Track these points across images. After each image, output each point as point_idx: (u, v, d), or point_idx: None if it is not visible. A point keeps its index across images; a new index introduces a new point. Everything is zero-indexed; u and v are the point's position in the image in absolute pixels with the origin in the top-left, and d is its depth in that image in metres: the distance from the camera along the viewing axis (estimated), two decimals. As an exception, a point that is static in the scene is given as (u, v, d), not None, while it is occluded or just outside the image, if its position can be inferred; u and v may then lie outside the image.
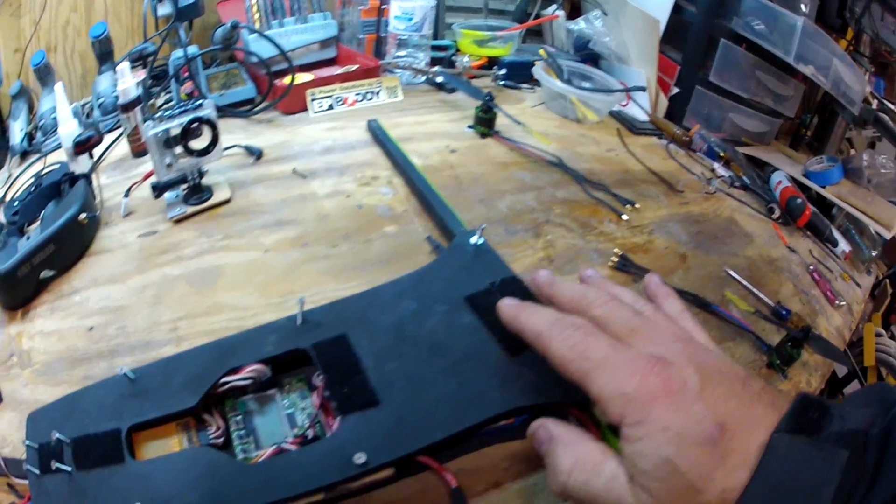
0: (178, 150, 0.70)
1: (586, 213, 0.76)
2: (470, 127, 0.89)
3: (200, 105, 0.70)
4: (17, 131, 1.01)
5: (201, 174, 0.73)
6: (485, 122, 0.86)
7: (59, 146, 0.94)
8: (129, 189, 0.76)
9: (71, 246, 0.68)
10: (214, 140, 0.71)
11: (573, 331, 0.36)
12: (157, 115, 0.69)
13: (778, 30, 1.04)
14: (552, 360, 0.37)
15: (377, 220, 0.69)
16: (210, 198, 0.74)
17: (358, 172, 0.78)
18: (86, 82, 1.17)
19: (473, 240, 0.58)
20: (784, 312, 0.71)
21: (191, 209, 0.72)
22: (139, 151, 0.90)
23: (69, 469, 0.42)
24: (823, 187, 1.05)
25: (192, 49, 0.95)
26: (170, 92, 1.06)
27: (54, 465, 0.43)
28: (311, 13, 1.04)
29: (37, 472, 0.43)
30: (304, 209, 0.71)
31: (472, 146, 0.86)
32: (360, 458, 0.41)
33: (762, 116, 1.12)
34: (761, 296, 0.73)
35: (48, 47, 1.13)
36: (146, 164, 0.84)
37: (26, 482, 0.47)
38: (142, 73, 1.02)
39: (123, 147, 0.90)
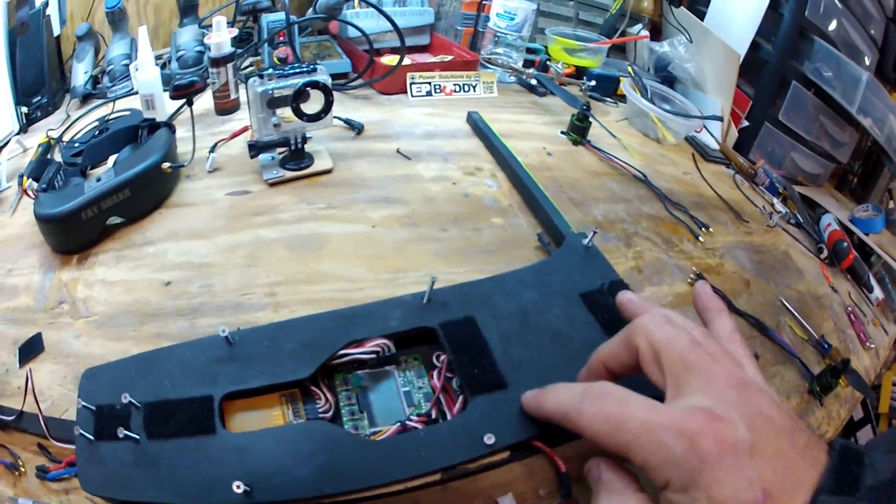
0: (282, 112, 0.67)
1: (669, 229, 0.76)
2: (563, 133, 0.88)
3: (315, 70, 0.67)
4: (80, 73, 0.97)
5: (305, 140, 0.71)
6: (579, 130, 0.85)
7: (128, 92, 0.92)
8: (215, 145, 0.74)
9: (148, 194, 0.64)
10: (328, 106, 0.68)
11: (603, 400, 0.32)
12: (268, 71, 0.66)
13: (843, 79, 1.05)
14: (589, 438, 0.32)
15: (484, 211, 0.68)
16: (311, 165, 0.72)
17: (461, 161, 0.77)
18: (157, 35, 1.13)
19: (584, 242, 0.58)
20: (826, 346, 0.73)
21: (289, 174, 0.70)
22: (224, 109, 0.87)
23: (137, 437, 0.38)
24: (867, 234, 1.05)
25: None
26: (257, 55, 1.04)
27: (121, 432, 0.38)
28: (411, -3, 1.03)
29: (90, 437, 0.38)
30: (411, 189, 0.70)
31: (566, 151, 0.85)
32: (489, 438, 0.41)
33: (818, 159, 1.12)
34: (808, 328, 0.74)
35: (121, -5, 1.09)
36: (230, 123, 0.82)
37: (67, 446, 0.42)
38: (233, 31, 1.00)
39: (204, 103, 0.87)
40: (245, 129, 0.78)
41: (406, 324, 0.48)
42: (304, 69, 0.67)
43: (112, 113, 0.84)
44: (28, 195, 0.66)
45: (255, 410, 0.43)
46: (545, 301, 0.51)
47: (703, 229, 0.78)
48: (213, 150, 0.73)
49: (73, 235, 0.59)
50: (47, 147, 0.77)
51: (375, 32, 0.93)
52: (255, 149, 0.69)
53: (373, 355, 0.46)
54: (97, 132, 0.76)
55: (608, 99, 1.06)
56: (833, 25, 1.06)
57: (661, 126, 0.93)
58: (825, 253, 0.97)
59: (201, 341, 0.45)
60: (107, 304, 0.53)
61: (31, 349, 0.51)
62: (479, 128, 0.83)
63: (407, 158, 0.76)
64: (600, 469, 0.35)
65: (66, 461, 0.43)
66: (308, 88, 0.66)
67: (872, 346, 0.87)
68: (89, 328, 0.51)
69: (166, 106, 0.84)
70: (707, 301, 0.41)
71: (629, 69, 0.99)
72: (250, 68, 0.99)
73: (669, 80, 1.10)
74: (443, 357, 0.47)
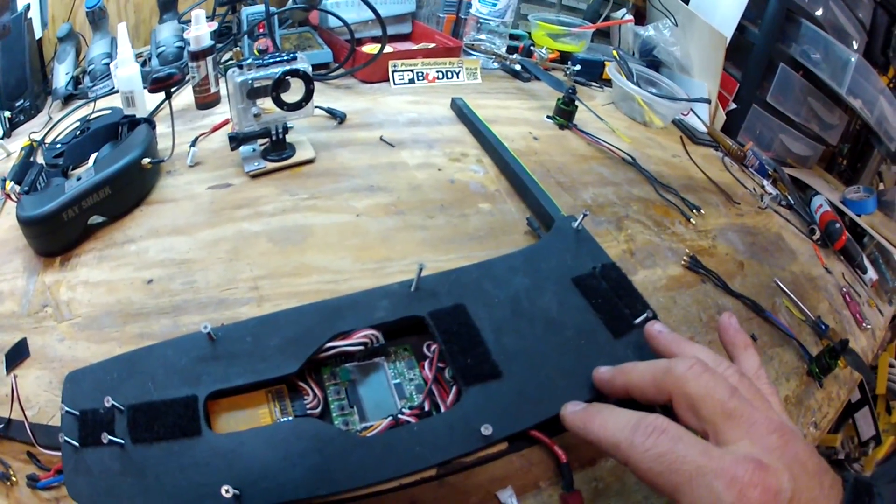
0: (262, 102, 0.65)
1: (660, 212, 0.74)
2: (549, 117, 0.87)
3: (295, 58, 0.65)
4: (62, 74, 0.95)
5: (286, 130, 0.69)
6: (565, 114, 0.84)
7: (109, 91, 0.90)
8: (196, 139, 0.72)
9: (128, 191, 0.62)
10: (308, 95, 0.66)
11: (657, 437, 0.32)
12: (248, 61, 0.64)
13: (831, 62, 1.04)
14: (636, 473, 0.33)
15: (471, 197, 0.67)
16: (293, 155, 0.70)
17: (447, 148, 0.75)
18: (138, 33, 1.12)
19: (574, 225, 0.57)
20: (823, 327, 0.72)
21: (271, 165, 0.68)
22: (204, 103, 0.85)
23: (122, 442, 0.37)
24: (859, 216, 1.04)
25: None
26: (236, 48, 1.02)
27: (105, 437, 0.37)
28: (391, -15, 1.01)
29: (75, 443, 0.37)
30: (396, 177, 0.68)
31: (552, 136, 0.83)
32: (486, 429, 0.40)
33: (808, 141, 1.11)
34: (804, 309, 0.73)
35: (101, -6, 1.07)
36: (211, 117, 0.80)
37: (55, 453, 0.41)
38: (212, 25, 0.97)
39: (184, 97, 0.85)
40: (226, 123, 0.76)
41: (394, 314, 0.46)
42: (284, 58, 0.65)
43: (93, 112, 0.83)
44: (10, 198, 0.64)
45: (242, 409, 0.42)
46: (537, 286, 0.50)
47: (694, 211, 0.77)
48: (193, 144, 0.71)
49: (55, 236, 0.57)
50: (30, 150, 0.75)
51: (356, 22, 0.91)
52: (236, 141, 0.67)
53: (360, 347, 0.44)
54: (78, 132, 0.74)
55: (594, 83, 1.05)
56: (820, 9, 1.04)
57: (647, 109, 0.92)
58: (818, 234, 0.96)
59: (183, 339, 0.44)
60: (90, 306, 0.52)
61: (16, 355, 0.49)
62: (463, 114, 0.81)
63: (391, 146, 0.74)
64: None
65: (55, 469, 0.41)
66: (288, 77, 0.64)
67: (868, 326, 0.86)
68: (73, 331, 0.50)
69: (147, 103, 0.82)
70: (734, 336, 0.42)
71: (614, 53, 0.98)
72: (231, 62, 0.97)
73: (655, 65, 1.08)
74: (434, 347, 0.46)
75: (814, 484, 0.30)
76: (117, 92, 0.84)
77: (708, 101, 0.98)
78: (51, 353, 0.48)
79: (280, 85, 0.64)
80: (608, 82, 1.02)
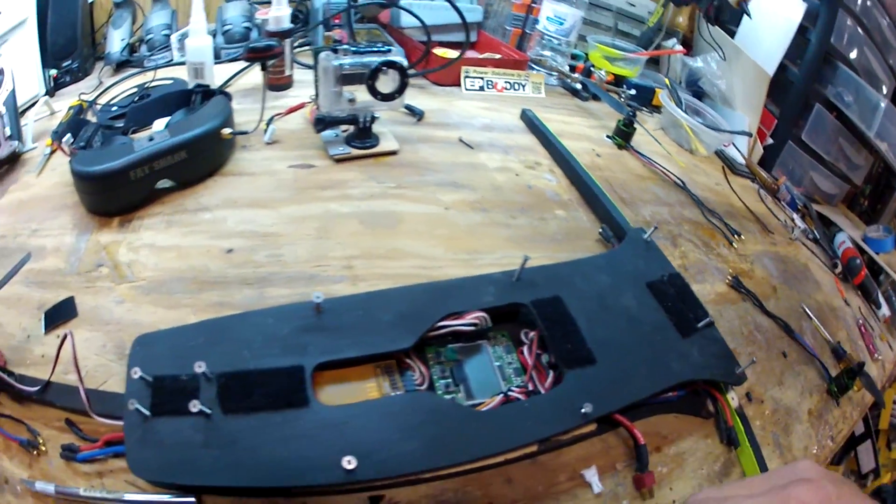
0: (349, 88, 0.68)
1: (707, 234, 0.81)
2: (609, 136, 0.93)
3: (390, 50, 0.69)
4: (116, 40, 0.97)
5: (373, 119, 0.72)
6: (624, 135, 0.90)
7: (167, 63, 0.93)
8: (272, 118, 0.75)
9: (204, 159, 0.63)
10: (402, 87, 0.69)
11: None
12: (343, 47, 0.68)
13: (862, 104, 1.12)
14: None
15: (548, 202, 0.72)
16: (377, 145, 0.73)
17: (521, 155, 0.81)
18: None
19: (644, 237, 0.63)
20: (842, 351, 0.78)
21: (356, 151, 0.71)
22: (277, 84, 0.87)
23: (209, 412, 0.36)
24: (877, 254, 1.12)
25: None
26: (305, 36, 1.06)
27: (195, 405, 0.35)
28: (461, -5, 1.06)
29: (146, 412, 0.35)
30: (477, 177, 0.74)
31: (612, 154, 0.90)
32: (587, 408, 0.45)
33: (835, 179, 1.18)
34: (826, 334, 0.79)
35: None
36: (284, 99, 0.83)
37: (110, 422, 0.38)
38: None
39: (254, 77, 0.88)
40: (301, 106, 0.79)
41: (500, 299, 0.51)
42: (380, 48, 0.69)
43: (153, 80, 0.85)
44: (63, 151, 0.65)
45: (348, 383, 0.43)
46: (617, 287, 0.56)
47: (735, 236, 0.83)
48: (270, 122, 0.74)
49: (118, 195, 0.57)
50: (80, 109, 0.77)
51: (429, 25, 0.95)
52: (323, 123, 0.70)
53: (472, 327, 0.49)
54: (137, 97, 0.76)
55: (644, 108, 1.11)
56: (855, 53, 1.12)
57: (694, 137, 0.99)
58: (839, 268, 1.03)
59: (286, 308, 0.45)
60: (156, 270, 0.52)
61: (60, 314, 0.47)
62: (534, 125, 0.87)
63: (469, 147, 0.79)
64: None
65: (105, 439, 0.38)
66: (385, 67, 0.68)
67: (879, 357, 0.93)
68: (134, 294, 0.49)
69: (215, 76, 0.84)
70: None
71: (666, 81, 1.04)
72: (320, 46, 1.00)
73: (698, 95, 1.15)
74: (532, 334, 0.51)
75: None
76: (176, 64, 0.89)
77: (750, 135, 1.06)
78: (105, 315, 0.47)
79: (376, 74, 0.67)
80: (656, 108, 1.09)
